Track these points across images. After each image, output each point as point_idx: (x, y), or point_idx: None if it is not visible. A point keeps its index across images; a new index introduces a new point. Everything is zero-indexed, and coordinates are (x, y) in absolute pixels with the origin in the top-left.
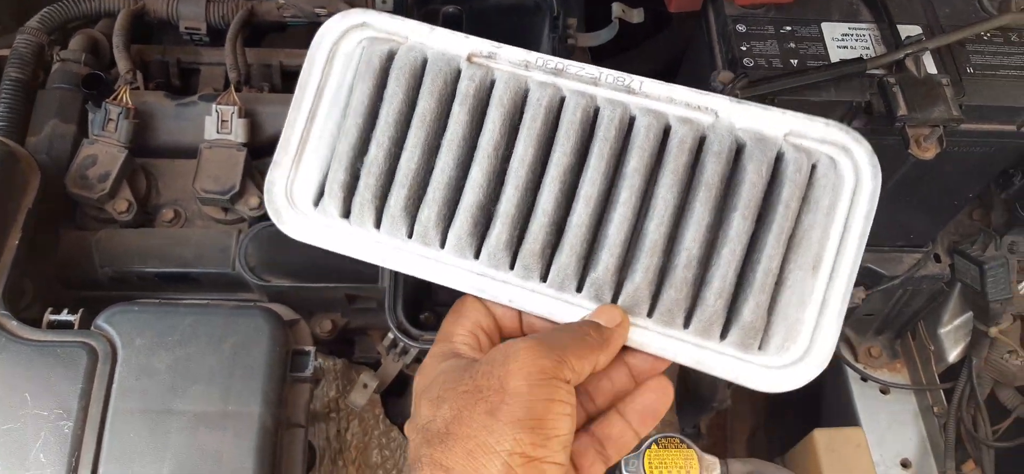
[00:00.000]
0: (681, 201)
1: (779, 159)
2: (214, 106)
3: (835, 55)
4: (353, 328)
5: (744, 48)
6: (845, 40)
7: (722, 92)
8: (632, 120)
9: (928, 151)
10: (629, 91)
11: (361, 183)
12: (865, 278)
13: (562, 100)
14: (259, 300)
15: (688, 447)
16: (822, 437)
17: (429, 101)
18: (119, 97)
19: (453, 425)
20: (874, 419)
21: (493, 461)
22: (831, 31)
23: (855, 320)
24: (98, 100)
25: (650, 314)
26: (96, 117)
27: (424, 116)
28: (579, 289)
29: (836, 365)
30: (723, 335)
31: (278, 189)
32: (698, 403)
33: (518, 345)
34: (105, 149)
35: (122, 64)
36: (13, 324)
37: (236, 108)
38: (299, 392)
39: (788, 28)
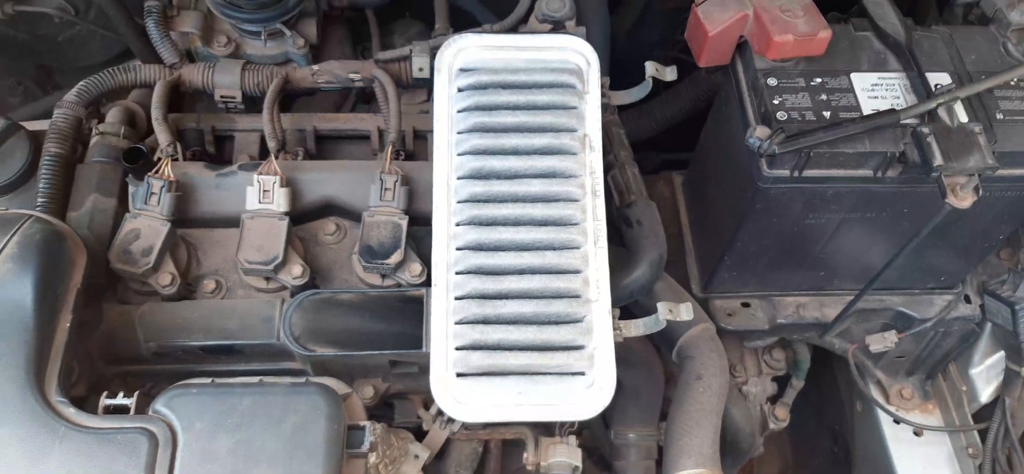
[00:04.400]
0: None
1: None
2: (256, 177)
3: (866, 106)
4: (393, 393)
5: (776, 101)
6: (875, 90)
7: (759, 148)
8: None
9: (965, 200)
10: None
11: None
12: (897, 321)
13: None
14: (304, 370)
15: None
16: None
17: None
18: (161, 170)
19: None
20: (908, 462)
21: None
22: (861, 82)
23: (886, 362)
24: (139, 173)
25: None
26: (138, 191)
27: None
28: None
29: (867, 408)
30: None
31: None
32: (735, 454)
33: None
34: (148, 223)
35: (163, 137)
36: (70, 412)
37: (277, 177)
38: (355, 468)
39: (818, 80)
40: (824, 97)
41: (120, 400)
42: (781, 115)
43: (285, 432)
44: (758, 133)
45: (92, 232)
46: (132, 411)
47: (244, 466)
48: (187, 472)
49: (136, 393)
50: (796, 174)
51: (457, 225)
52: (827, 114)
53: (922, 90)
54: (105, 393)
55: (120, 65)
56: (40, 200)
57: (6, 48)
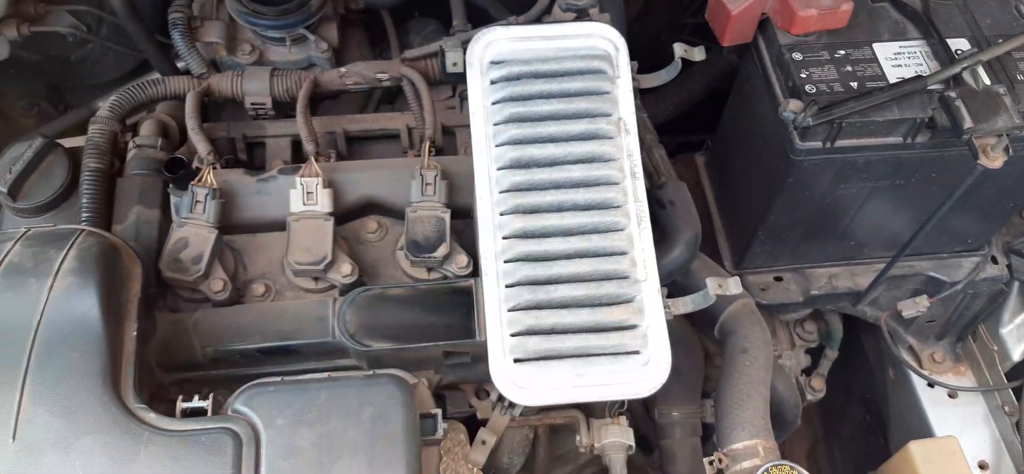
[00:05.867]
0: None
1: None
2: (298, 179)
3: (891, 74)
4: (445, 384)
5: (803, 75)
6: (898, 58)
7: (793, 121)
8: None
9: (996, 160)
10: None
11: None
12: (927, 286)
13: None
14: (357, 367)
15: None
16: (919, 449)
17: None
18: (204, 179)
19: None
20: (944, 424)
21: None
22: (883, 51)
23: (917, 327)
24: (182, 183)
25: None
26: (183, 200)
27: None
28: None
29: (901, 373)
30: None
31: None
32: (780, 426)
33: None
34: (195, 231)
35: (201, 146)
36: (152, 417)
37: (320, 179)
38: (430, 456)
39: (842, 52)
40: (849, 68)
41: (197, 403)
42: (809, 88)
43: (364, 422)
44: (792, 106)
45: (139, 243)
46: (209, 413)
47: (328, 458)
48: (273, 467)
49: (211, 395)
50: (828, 145)
51: (502, 214)
52: (854, 85)
53: (944, 56)
54: (181, 397)
55: (149, 78)
56: (85, 215)
57: (19, 70)
